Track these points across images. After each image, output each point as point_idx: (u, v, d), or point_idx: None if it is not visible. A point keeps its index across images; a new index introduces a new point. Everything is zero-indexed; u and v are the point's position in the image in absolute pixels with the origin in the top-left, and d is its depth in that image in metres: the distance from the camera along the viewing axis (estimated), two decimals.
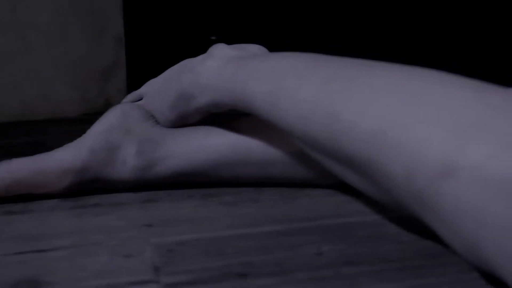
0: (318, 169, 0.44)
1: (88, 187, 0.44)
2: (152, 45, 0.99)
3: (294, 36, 1.00)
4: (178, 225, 0.38)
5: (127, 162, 0.44)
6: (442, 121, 0.27)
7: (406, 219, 0.37)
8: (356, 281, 0.29)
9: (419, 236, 0.34)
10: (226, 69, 0.42)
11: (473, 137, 0.25)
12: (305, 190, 0.45)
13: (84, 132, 0.45)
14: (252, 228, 0.37)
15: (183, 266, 0.31)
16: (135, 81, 0.99)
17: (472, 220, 0.25)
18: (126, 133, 0.45)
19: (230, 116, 0.47)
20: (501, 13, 1.06)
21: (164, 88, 0.48)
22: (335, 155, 0.33)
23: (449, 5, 1.06)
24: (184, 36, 1.01)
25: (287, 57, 0.38)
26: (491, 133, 0.25)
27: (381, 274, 0.30)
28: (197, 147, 0.45)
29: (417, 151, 0.27)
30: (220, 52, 0.44)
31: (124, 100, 0.50)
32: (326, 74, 0.34)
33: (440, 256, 0.31)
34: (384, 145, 0.29)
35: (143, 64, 0.98)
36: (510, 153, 0.24)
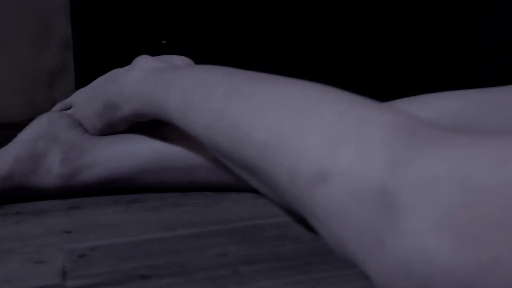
0: None
1: (12, 195, 0.45)
2: (101, 50, 1.00)
3: (293, 36, 1.02)
4: (96, 231, 0.40)
5: (52, 170, 0.46)
6: (318, 133, 0.30)
7: None
8: (250, 279, 0.32)
9: (319, 236, 0.37)
10: (146, 80, 0.44)
11: (341, 146, 0.29)
12: (229, 194, 0.48)
13: None
14: (166, 232, 0.39)
15: (91, 271, 0.33)
16: (83, 85, 1.00)
17: (338, 221, 0.28)
18: (52, 141, 0.47)
19: (156, 124, 0.49)
20: (500, 13, 1.10)
21: (92, 97, 0.50)
22: (236, 162, 0.36)
23: (449, 5, 1.09)
24: (134, 40, 1.02)
25: (198, 70, 0.41)
26: (357, 143, 0.28)
27: (274, 272, 0.33)
28: (122, 154, 0.47)
29: (297, 160, 0.30)
30: (143, 63, 0.47)
31: (53, 108, 0.52)
32: (229, 87, 0.37)
33: (332, 253, 0.34)
34: (272, 154, 0.32)
35: (92, 68, 0.99)
36: (370, 162, 0.27)
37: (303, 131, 0.31)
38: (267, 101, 0.34)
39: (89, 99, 0.50)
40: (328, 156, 0.29)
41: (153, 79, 0.44)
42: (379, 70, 1.09)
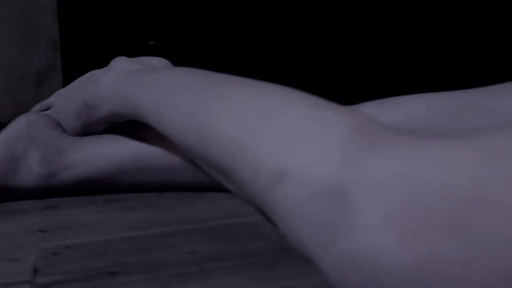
0: None
1: None
2: (89, 50, 1.02)
3: (294, 37, 1.03)
4: (71, 230, 0.42)
5: (31, 170, 0.48)
6: (280, 134, 0.32)
7: None
8: (215, 275, 0.34)
9: None
10: (122, 81, 0.46)
11: (301, 147, 0.30)
12: (206, 194, 0.50)
13: None
14: (140, 231, 0.41)
15: (62, 268, 0.35)
16: None
17: (295, 218, 0.30)
18: (31, 142, 0.49)
19: (134, 125, 0.51)
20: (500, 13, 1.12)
21: (70, 98, 0.51)
22: (206, 162, 0.38)
23: (449, 5, 1.10)
24: (122, 40, 1.04)
25: (173, 72, 0.43)
26: (315, 144, 0.30)
27: (239, 268, 0.34)
28: (101, 154, 0.49)
29: (260, 159, 0.32)
30: (120, 65, 0.48)
31: (33, 109, 0.53)
32: (201, 89, 0.39)
33: (296, 250, 0.36)
34: (238, 154, 0.34)
35: (79, 69, 1.00)
36: (326, 162, 0.29)
37: (266, 132, 0.32)
38: (235, 103, 0.36)
39: (68, 100, 0.52)
40: (288, 156, 0.30)
41: (129, 81, 0.46)
42: (379, 70, 1.10)
